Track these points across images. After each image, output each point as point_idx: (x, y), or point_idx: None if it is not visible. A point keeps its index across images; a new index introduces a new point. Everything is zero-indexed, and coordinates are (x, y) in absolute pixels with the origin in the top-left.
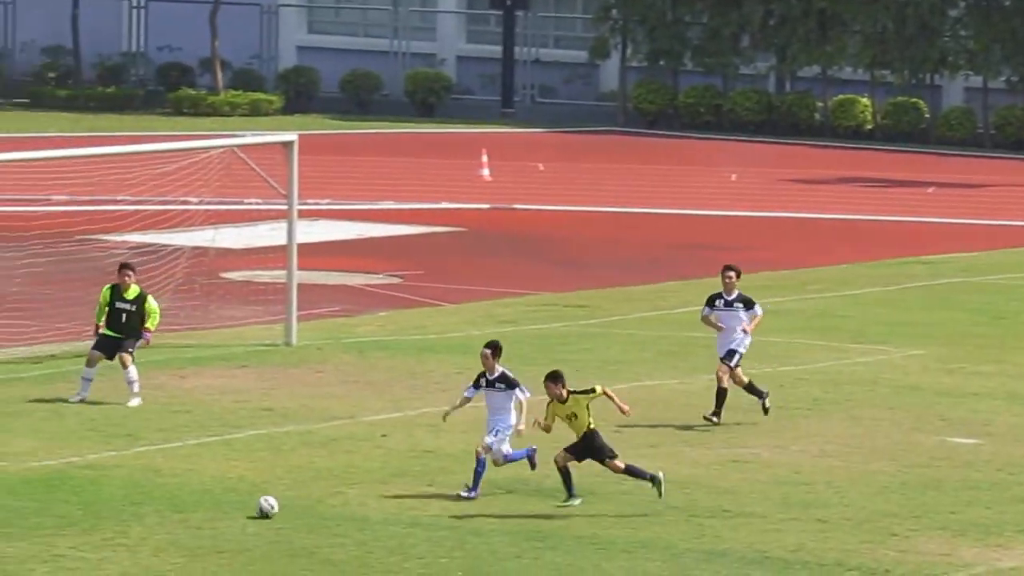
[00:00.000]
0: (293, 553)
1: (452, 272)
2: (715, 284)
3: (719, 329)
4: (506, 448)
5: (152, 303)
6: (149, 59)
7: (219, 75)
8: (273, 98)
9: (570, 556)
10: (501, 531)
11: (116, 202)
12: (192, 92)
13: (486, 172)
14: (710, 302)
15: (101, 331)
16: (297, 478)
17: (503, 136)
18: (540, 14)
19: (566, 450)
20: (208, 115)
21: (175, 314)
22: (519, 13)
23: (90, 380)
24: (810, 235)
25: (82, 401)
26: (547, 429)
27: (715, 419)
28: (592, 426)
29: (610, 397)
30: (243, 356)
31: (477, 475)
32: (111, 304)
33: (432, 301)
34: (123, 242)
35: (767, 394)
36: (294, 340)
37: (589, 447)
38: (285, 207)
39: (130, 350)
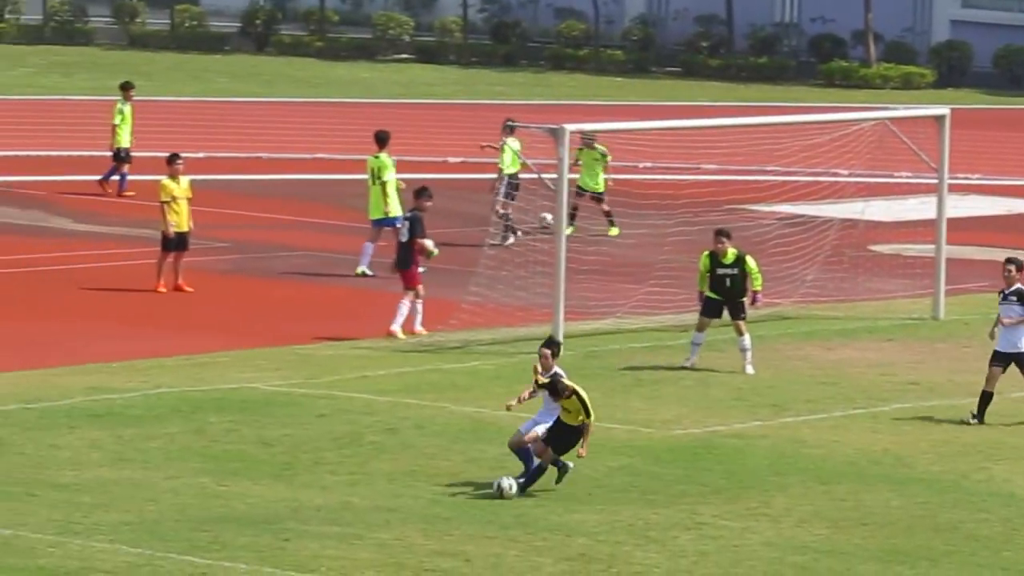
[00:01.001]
0: (936, 527)
1: None
2: None
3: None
4: None
5: (751, 263)
6: (802, 30)
7: (872, 48)
8: (925, 72)
9: None
10: None
11: (765, 172)
12: (844, 64)
13: None
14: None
15: (706, 295)
16: (942, 452)
17: None
18: None
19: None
20: (859, 88)
21: (823, 285)
22: None
23: (699, 345)
24: None
25: (692, 367)
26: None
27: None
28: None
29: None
30: (890, 329)
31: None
32: (711, 270)
33: None
34: (771, 212)
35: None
36: (941, 314)
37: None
38: (935, 181)
39: (742, 316)
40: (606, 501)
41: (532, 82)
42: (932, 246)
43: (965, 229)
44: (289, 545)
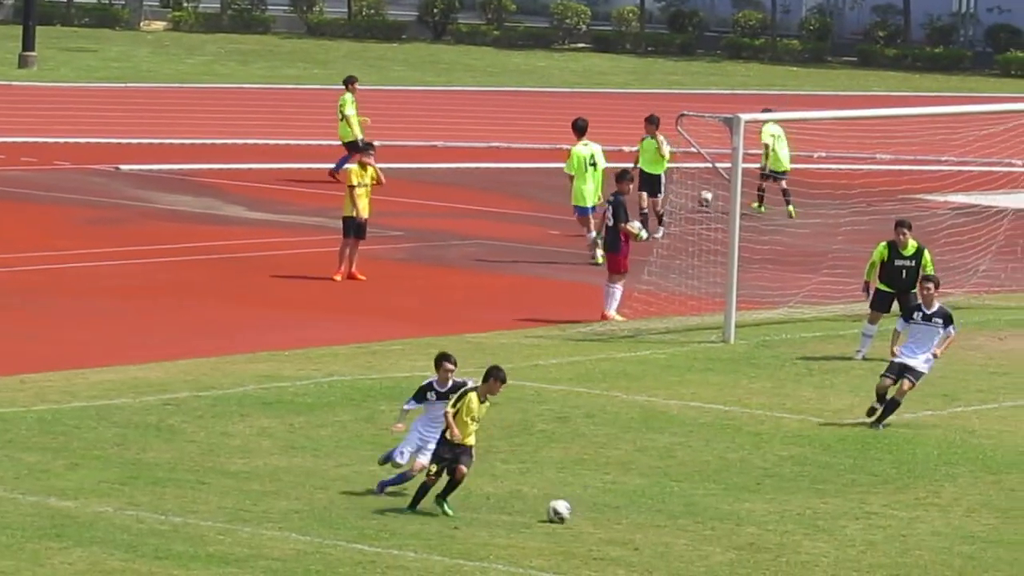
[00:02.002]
0: None
1: None
2: None
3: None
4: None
5: (929, 256)
6: (979, 20)
7: None
8: None
9: None
10: None
11: (940, 162)
12: (1020, 54)
13: None
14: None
15: (876, 287)
16: None
17: None
18: None
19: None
20: None
21: (995, 275)
22: None
23: (870, 336)
24: None
25: (864, 358)
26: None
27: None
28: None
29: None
30: None
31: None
32: (889, 260)
33: None
34: (945, 202)
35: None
36: None
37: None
38: None
39: None
40: (775, 490)
41: (708, 71)
42: None
43: None
44: (458, 533)
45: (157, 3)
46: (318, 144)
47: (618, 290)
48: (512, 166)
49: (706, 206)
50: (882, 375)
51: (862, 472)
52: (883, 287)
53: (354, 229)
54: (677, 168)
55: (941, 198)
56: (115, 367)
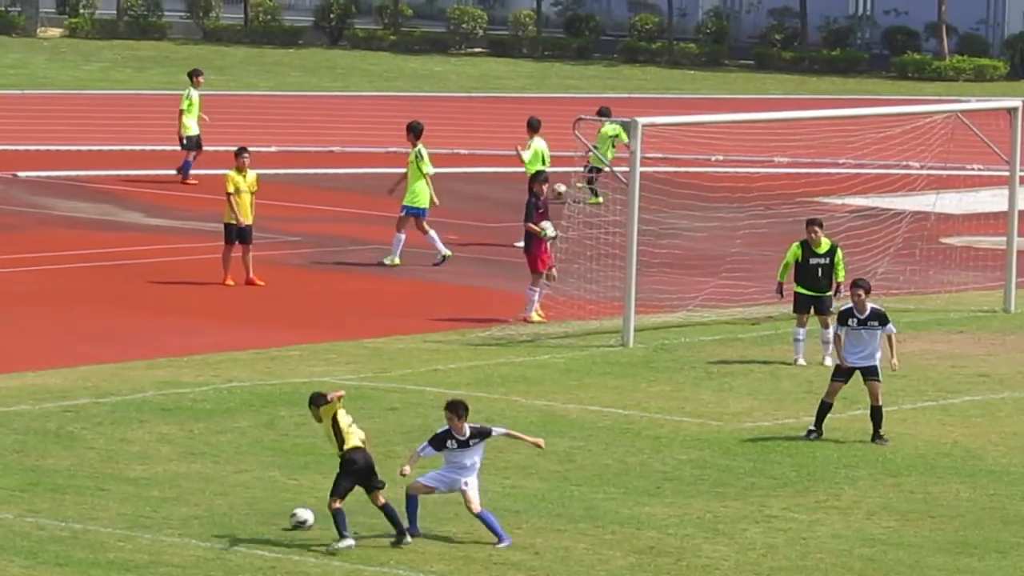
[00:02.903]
0: (1006, 519)
1: None
2: None
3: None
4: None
5: (841, 254)
6: (875, 22)
7: (945, 40)
8: (999, 64)
9: None
10: None
11: (838, 165)
12: (917, 57)
13: None
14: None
15: (795, 291)
16: (1012, 445)
17: None
18: None
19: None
20: (932, 80)
21: (894, 278)
22: None
23: (802, 340)
24: None
25: (801, 364)
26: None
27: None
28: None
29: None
30: (960, 321)
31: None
32: (804, 260)
33: None
34: (842, 205)
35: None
36: (1012, 307)
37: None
38: (1007, 173)
39: (830, 311)
40: (675, 494)
41: (605, 75)
42: (1003, 238)
43: None
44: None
45: (53, 10)
46: (215, 150)
47: (534, 291)
48: None
49: (559, 199)
50: (833, 379)
51: (762, 475)
52: (801, 290)
53: (237, 235)
54: (573, 172)
55: (839, 201)
56: (12, 374)
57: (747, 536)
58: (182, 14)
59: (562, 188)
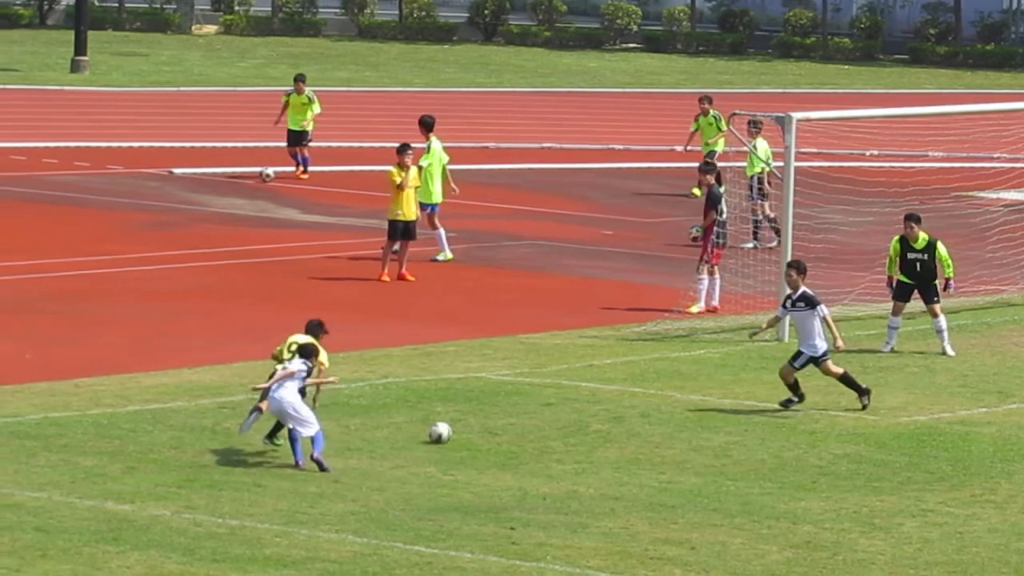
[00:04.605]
0: None
1: None
2: None
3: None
4: None
5: (942, 249)
6: None
7: None
8: None
9: None
10: None
11: (992, 159)
12: None
13: None
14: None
15: (897, 279)
16: None
17: None
18: None
19: None
20: None
21: None
22: None
23: (895, 329)
24: None
25: (892, 351)
26: None
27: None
28: None
29: None
30: None
31: None
32: (902, 255)
33: None
34: (997, 199)
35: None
36: None
37: None
38: None
39: (935, 300)
40: (831, 489)
41: (759, 71)
42: None
43: None
44: (515, 534)
45: (208, 7)
46: (371, 147)
47: (704, 282)
48: (564, 167)
49: (267, 180)
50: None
51: (917, 470)
52: (903, 278)
53: (401, 231)
54: (729, 167)
55: (993, 195)
56: (168, 371)
57: (903, 530)
58: (337, 10)
59: (270, 171)
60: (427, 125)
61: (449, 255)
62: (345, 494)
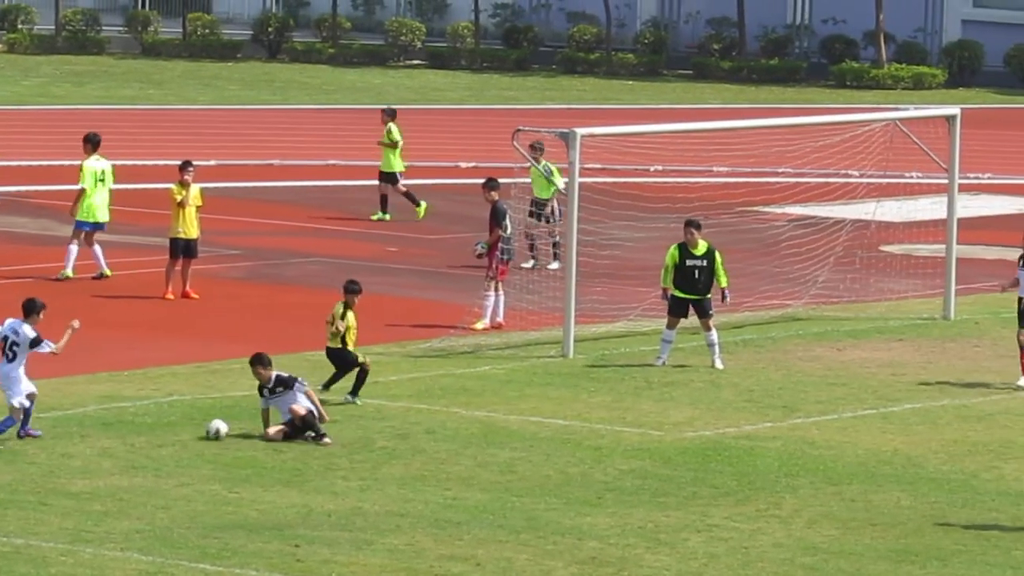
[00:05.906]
0: (947, 527)
1: None
2: None
3: None
4: None
5: (720, 258)
6: (813, 31)
7: (883, 48)
8: (937, 72)
9: None
10: None
11: (777, 174)
12: (855, 65)
13: None
14: None
15: (672, 293)
16: (952, 452)
17: None
18: None
19: None
20: (870, 88)
21: (834, 286)
22: None
23: (669, 343)
24: None
25: (664, 364)
26: None
27: None
28: None
29: None
30: (900, 329)
31: None
32: (681, 262)
33: None
34: (783, 214)
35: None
36: (952, 314)
37: None
38: (946, 181)
39: (710, 314)
40: (617, 504)
41: (544, 86)
42: (943, 246)
43: (976, 229)
44: (300, 551)
45: None
46: (153, 164)
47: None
48: (349, 183)
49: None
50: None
51: (703, 485)
52: (678, 293)
53: (182, 249)
54: (513, 184)
55: (779, 210)
56: None
57: (688, 545)
58: (120, 28)
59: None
60: (92, 143)
61: (69, 273)
62: (130, 512)
